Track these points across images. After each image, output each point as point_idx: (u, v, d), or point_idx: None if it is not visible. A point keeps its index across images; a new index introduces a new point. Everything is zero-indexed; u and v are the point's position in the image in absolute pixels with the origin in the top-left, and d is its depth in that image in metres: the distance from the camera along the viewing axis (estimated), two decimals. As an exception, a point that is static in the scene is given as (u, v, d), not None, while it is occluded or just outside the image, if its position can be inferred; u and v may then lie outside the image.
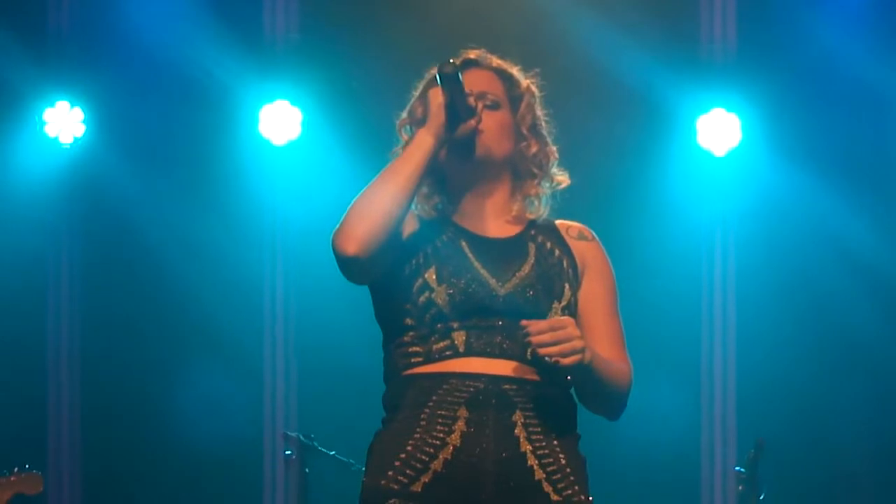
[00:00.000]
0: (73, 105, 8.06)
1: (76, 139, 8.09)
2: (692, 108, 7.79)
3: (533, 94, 3.37)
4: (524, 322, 3.05)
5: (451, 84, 3.18)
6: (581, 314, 3.24)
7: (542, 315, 3.16)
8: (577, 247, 3.32)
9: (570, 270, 3.26)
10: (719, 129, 7.78)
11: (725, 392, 7.84)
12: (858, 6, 7.80)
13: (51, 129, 8.07)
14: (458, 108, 3.19)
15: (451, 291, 3.16)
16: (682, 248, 7.84)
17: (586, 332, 3.15)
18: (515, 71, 3.38)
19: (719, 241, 7.86)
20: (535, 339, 3.02)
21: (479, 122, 3.23)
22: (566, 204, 3.37)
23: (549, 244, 3.29)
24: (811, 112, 7.75)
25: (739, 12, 7.86)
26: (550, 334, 3.02)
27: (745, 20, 7.85)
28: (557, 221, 3.37)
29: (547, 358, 3.02)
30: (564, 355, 3.03)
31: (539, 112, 3.38)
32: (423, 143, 3.19)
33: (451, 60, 3.20)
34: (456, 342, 3.16)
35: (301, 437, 6.77)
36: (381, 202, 3.11)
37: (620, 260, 3.40)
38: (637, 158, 7.75)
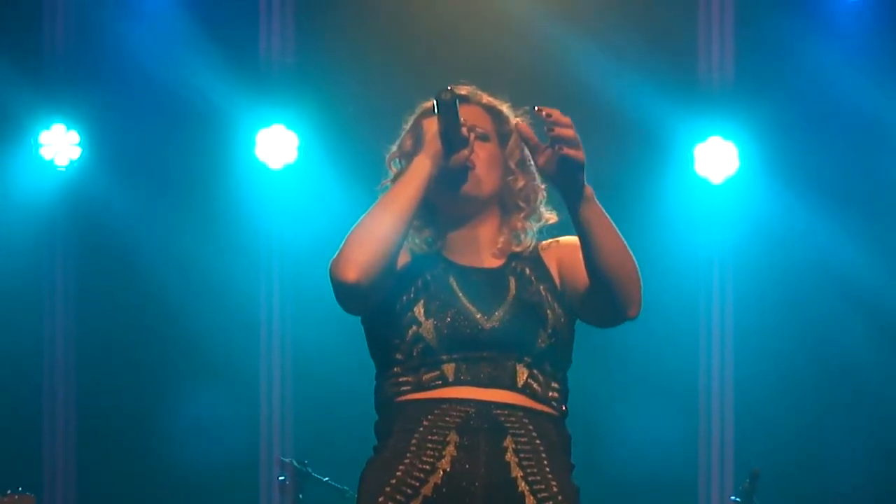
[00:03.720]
0: (68, 128, 8.05)
1: (72, 162, 8.08)
2: (689, 137, 7.79)
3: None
4: (538, 108, 3.04)
5: (448, 112, 3.15)
6: (571, 267, 3.22)
7: (531, 345, 3.17)
8: (548, 256, 3.31)
9: (548, 294, 3.24)
10: (717, 157, 7.78)
11: (723, 421, 7.82)
12: (856, 35, 7.82)
13: (46, 152, 8.06)
14: (451, 138, 3.18)
15: (438, 325, 3.16)
16: (680, 276, 7.83)
17: (580, 268, 3.14)
18: (505, 108, 3.36)
19: (717, 269, 7.86)
20: (547, 112, 3.01)
21: (471, 151, 3.21)
22: (562, 232, 3.35)
23: (527, 271, 3.27)
24: (808, 140, 7.76)
25: (737, 41, 7.87)
26: (564, 118, 3.02)
27: (742, 49, 7.87)
28: (540, 244, 3.34)
29: (558, 142, 3.01)
30: (572, 144, 3.03)
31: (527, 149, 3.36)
32: (420, 170, 3.17)
33: (450, 88, 3.18)
34: (445, 372, 3.15)
35: (295, 463, 6.75)
36: (382, 228, 3.10)
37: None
38: (634, 186, 7.74)
